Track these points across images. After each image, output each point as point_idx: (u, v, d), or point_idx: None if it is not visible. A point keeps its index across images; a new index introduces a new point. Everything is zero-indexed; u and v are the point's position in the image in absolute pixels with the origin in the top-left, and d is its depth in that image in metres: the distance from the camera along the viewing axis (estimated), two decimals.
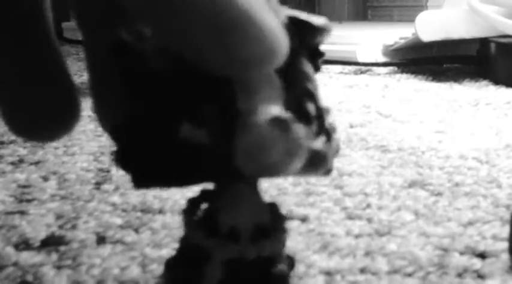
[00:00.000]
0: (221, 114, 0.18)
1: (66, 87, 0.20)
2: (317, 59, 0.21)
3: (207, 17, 0.16)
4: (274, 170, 0.19)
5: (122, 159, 0.19)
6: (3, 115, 0.20)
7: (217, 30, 0.16)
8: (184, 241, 0.22)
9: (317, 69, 0.21)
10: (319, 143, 0.20)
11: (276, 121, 0.18)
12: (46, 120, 0.20)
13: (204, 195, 0.22)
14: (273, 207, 0.23)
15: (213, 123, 0.18)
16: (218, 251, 0.21)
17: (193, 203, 0.22)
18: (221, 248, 0.21)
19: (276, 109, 0.18)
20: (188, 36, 0.17)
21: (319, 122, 0.20)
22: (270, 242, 0.21)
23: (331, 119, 0.21)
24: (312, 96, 0.20)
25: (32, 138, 0.21)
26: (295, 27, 0.19)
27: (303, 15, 0.20)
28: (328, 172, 0.21)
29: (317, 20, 0.20)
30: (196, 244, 0.21)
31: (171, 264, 0.22)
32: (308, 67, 0.20)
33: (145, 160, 0.19)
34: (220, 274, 0.21)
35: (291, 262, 0.24)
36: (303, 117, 0.19)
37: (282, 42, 0.17)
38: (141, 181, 0.19)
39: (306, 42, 0.20)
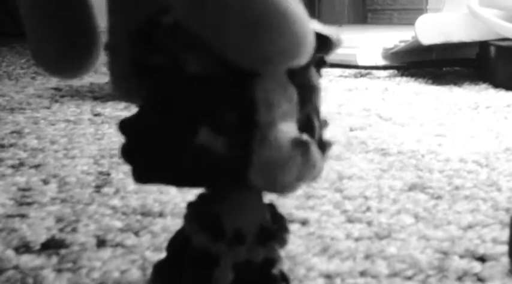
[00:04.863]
0: (241, 124, 0.18)
1: (90, 26, 0.21)
2: (321, 67, 0.21)
3: (236, 8, 0.16)
4: (285, 189, 0.19)
5: (127, 151, 0.19)
6: (34, 53, 0.21)
7: (245, 21, 0.16)
8: (180, 244, 0.22)
9: (320, 76, 0.21)
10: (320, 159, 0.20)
11: (298, 142, 0.18)
12: (71, 55, 0.21)
13: (204, 198, 0.22)
14: (271, 208, 0.23)
15: (231, 132, 0.18)
16: (227, 255, 0.21)
17: (194, 207, 0.22)
18: (230, 252, 0.21)
19: (293, 128, 0.19)
20: (217, 26, 0.16)
21: (320, 136, 0.20)
22: (277, 243, 0.21)
23: (327, 132, 0.21)
24: (318, 111, 0.20)
25: (59, 73, 0.22)
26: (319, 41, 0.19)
27: (319, 28, 0.20)
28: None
29: (328, 31, 0.20)
30: (204, 248, 0.21)
31: (164, 267, 0.22)
32: (317, 79, 0.20)
33: (152, 157, 0.19)
34: (231, 277, 0.21)
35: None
36: (310, 131, 0.19)
37: (311, 38, 0.17)
38: (142, 176, 0.19)
39: (318, 54, 0.20)
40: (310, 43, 0.17)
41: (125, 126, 0.19)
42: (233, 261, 0.21)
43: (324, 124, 0.21)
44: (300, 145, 0.18)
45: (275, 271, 0.22)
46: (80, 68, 0.21)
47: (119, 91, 0.21)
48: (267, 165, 0.18)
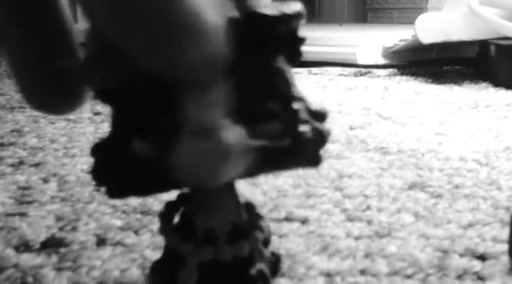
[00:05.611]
0: (164, 127, 0.18)
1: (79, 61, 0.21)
2: (294, 46, 0.20)
3: (150, 17, 0.16)
4: (207, 180, 0.19)
5: (94, 173, 0.20)
6: (22, 90, 0.20)
7: (159, 31, 0.16)
8: (165, 246, 0.22)
9: (297, 56, 0.20)
10: (279, 141, 0.19)
11: (201, 133, 0.18)
12: (61, 93, 0.20)
13: (181, 199, 0.22)
14: (248, 206, 0.22)
15: (156, 136, 0.18)
16: (192, 255, 0.21)
17: (170, 207, 0.22)
18: (195, 252, 0.20)
19: (209, 118, 0.18)
20: (132, 36, 0.16)
21: (289, 118, 0.19)
22: (247, 242, 0.21)
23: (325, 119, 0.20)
24: (278, 93, 0.19)
25: (49, 111, 0.21)
26: (252, 20, 0.18)
27: (262, 7, 0.19)
28: (312, 163, 0.20)
29: (282, 7, 0.19)
30: (174, 249, 0.21)
31: (154, 269, 0.22)
32: (277, 60, 0.19)
33: (112, 174, 0.19)
34: (195, 277, 0.21)
35: (275, 260, 0.23)
36: (263, 116, 0.19)
37: (225, 45, 0.17)
38: (111, 192, 0.20)
39: (271, 34, 0.19)
40: (224, 49, 0.17)
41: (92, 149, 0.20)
42: (198, 260, 0.21)
43: (301, 105, 0.19)
44: (203, 134, 0.18)
45: (253, 271, 0.21)
46: (74, 103, 0.21)
47: None
48: (179, 162, 0.18)
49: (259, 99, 0.19)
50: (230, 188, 0.21)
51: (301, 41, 0.20)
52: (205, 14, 0.16)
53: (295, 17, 0.19)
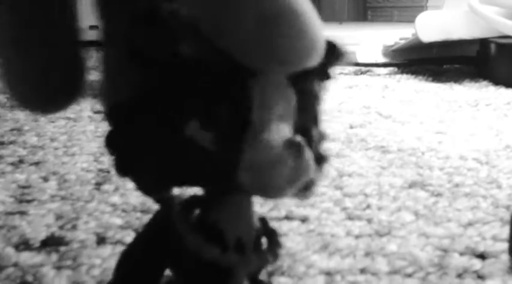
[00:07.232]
0: (233, 122, 0.17)
1: (75, 64, 0.20)
2: (324, 78, 0.20)
3: (251, 4, 0.16)
4: (274, 192, 0.18)
5: (112, 138, 0.18)
6: (9, 86, 0.20)
7: (261, 18, 0.16)
8: (134, 265, 0.21)
9: (323, 88, 0.20)
10: (313, 171, 0.18)
11: (290, 144, 0.17)
12: (52, 93, 0.20)
13: (196, 202, 0.21)
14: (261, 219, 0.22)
15: (222, 129, 0.17)
16: (242, 266, 0.20)
17: (186, 210, 0.21)
18: (245, 263, 0.20)
19: (288, 131, 0.17)
20: (232, 23, 0.16)
21: (317, 147, 0.19)
22: (279, 247, 0.21)
23: (324, 145, 0.20)
24: (317, 122, 0.19)
25: (35, 109, 0.21)
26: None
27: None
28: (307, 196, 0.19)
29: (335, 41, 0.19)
30: (215, 261, 0.19)
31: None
32: (319, 88, 0.19)
33: (139, 145, 0.18)
34: None
35: None
36: (307, 141, 0.18)
37: (321, 40, 0.17)
38: (124, 166, 0.19)
39: (322, 63, 0.18)
40: (321, 48, 0.17)
41: (112, 112, 0.18)
42: (248, 270, 0.20)
43: (322, 136, 0.19)
44: (292, 147, 0.17)
45: (262, 276, 0.21)
46: (59, 107, 0.20)
47: (109, 84, 0.19)
48: (256, 165, 0.17)
49: (308, 125, 0.19)
50: (249, 197, 0.20)
51: (328, 76, 0.20)
52: (301, 7, 0.17)
53: (343, 56, 0.19)
